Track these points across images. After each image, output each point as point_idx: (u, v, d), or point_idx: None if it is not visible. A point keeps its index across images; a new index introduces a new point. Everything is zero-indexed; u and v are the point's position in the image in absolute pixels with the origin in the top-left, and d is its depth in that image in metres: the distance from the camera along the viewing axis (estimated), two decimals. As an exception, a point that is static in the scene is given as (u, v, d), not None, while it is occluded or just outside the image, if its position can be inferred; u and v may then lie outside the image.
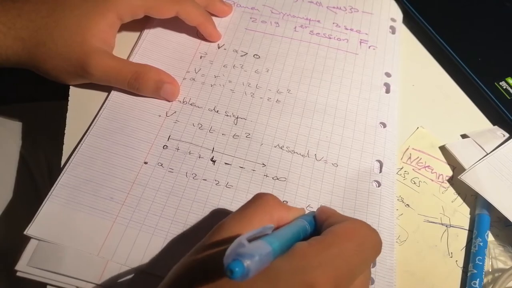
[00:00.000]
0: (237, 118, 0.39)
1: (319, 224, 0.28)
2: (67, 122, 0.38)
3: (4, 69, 0.38)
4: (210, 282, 0.23)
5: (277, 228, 0.26)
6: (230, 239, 0.24)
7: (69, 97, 0.39)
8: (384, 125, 0.40)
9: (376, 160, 0.38)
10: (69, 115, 0.38)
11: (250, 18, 0.47)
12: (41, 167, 0.47)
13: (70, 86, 0.40)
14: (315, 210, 0.31)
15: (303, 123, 0.40)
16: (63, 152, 0.37)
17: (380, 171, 0.38)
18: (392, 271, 0.33)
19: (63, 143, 0.37)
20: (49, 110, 0.49)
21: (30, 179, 0.46)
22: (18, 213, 0.44)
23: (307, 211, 0.30)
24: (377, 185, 0.37)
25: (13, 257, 0.31)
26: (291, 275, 0.22)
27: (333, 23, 0.47)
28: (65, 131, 0.38)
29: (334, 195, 0.36)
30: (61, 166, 0.36)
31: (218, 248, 0.25)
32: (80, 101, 0.39)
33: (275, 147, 0.38)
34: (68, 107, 0.39)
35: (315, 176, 0.37)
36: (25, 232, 0.31)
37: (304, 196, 0.36)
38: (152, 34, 0.44)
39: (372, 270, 0.33)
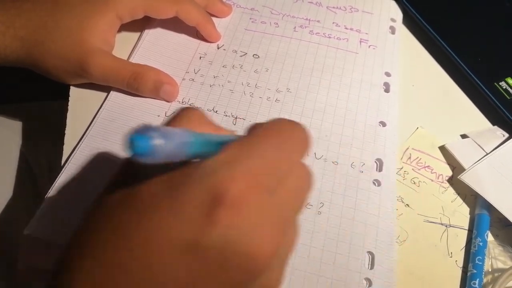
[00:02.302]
0: (236, 118, 0.39)
1: None
2: (67, 122, 0.38)
3: (4, 69, 0.38)
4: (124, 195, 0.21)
5: None
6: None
7: (69, 97, 0.40)
8: (384, 124, 0.40)
9: (376, 159, 0.38)
10: (69, 115, 0.39)
11: (250, 18, 0.47)
12: (41, 167, 0.47)
13: (70, 86, 0.40)
14: None
15: (302, 122, 0.39)
16: (64, 152, 0.37)
17: (380, 170, 0.37)
18: (392, 271, 0.33)
19: (63, 143, 0.37)
20: (49, 110, 0.49)
21: (30, 179, 0.47)
22: (18, 212, 0.44)
23: None
24: (377, 184, 0.37)
25: (13, 257, 0.31)
26: (198, 179, 0.19)
27: (333, 22, 0.47)
28: (65, 131, 0.38)
29: (334, 193, 0.36)
30: (61, 166, 0.36)
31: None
32: (81, 101, 0.39)
33: (274, 146, 0.38)
34: (68, 107, 0.39)
35: (315, 174, 0.37)
36: (24, 232, 0.31)
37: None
38: (152, 34, 0.44)
39: (372, 271, 0.33)
